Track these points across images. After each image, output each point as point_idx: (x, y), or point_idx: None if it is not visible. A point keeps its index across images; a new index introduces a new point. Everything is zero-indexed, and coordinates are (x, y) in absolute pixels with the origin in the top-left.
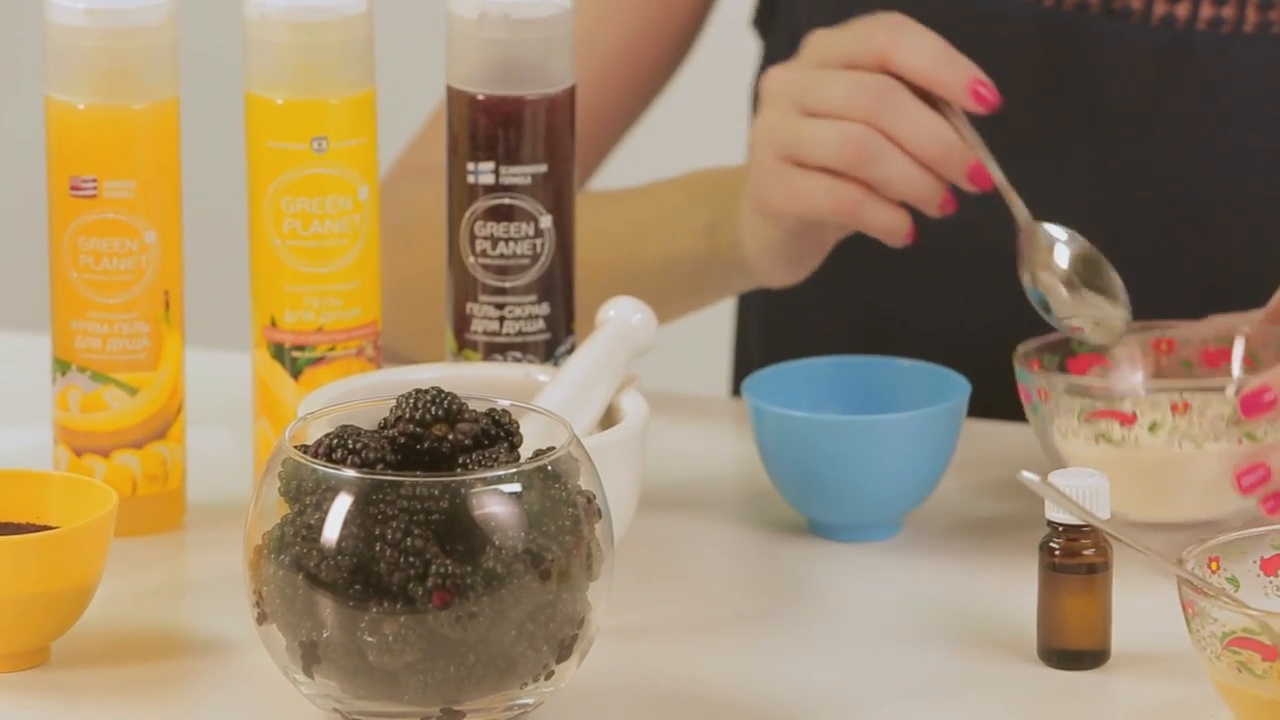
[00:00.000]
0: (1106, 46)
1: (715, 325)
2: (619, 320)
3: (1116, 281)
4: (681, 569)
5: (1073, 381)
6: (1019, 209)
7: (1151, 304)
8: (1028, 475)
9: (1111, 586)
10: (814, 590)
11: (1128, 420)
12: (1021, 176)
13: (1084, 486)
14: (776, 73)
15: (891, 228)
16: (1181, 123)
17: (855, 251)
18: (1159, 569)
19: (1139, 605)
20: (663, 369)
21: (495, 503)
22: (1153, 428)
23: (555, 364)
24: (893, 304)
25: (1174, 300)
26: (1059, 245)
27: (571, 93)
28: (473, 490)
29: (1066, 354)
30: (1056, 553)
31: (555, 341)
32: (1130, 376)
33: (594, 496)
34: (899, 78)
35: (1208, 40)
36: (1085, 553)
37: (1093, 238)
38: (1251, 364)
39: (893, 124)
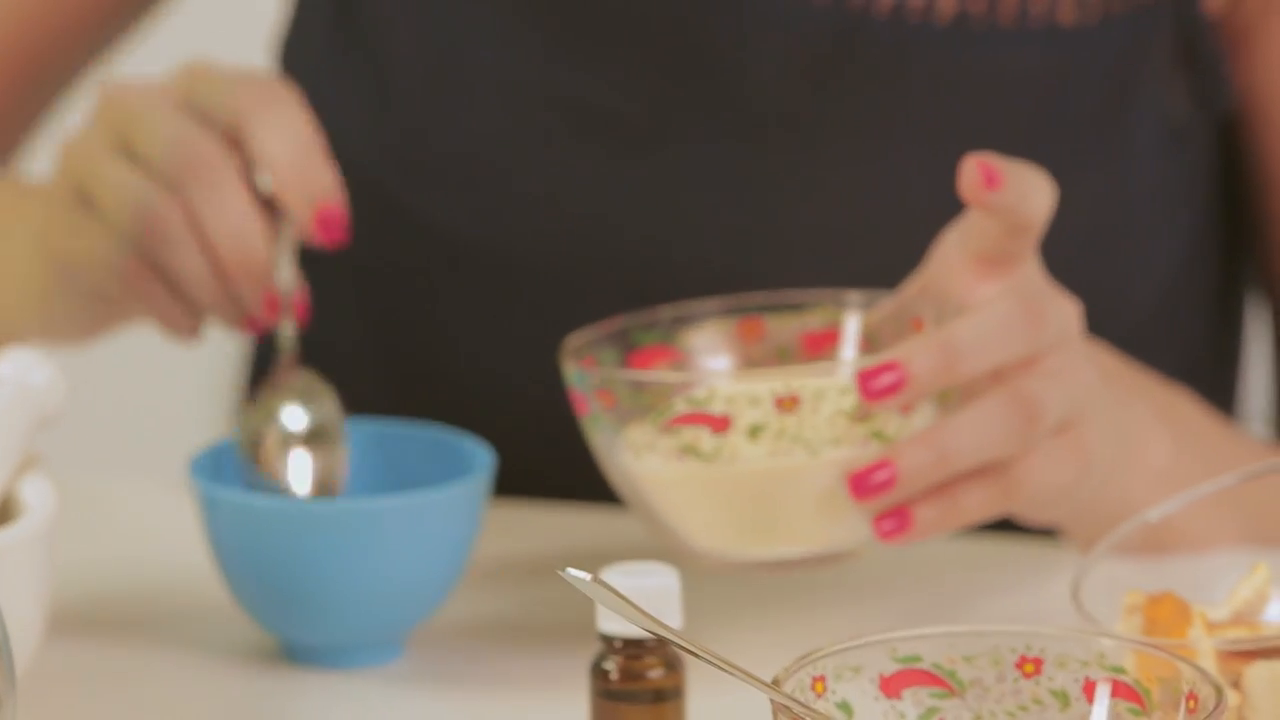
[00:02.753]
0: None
1: None
2: (14, 380)
3: None
4: (115, 712)
5: (642, 377)
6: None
7: None
8: (574, 573)
9: (685, 718)
10: None
11: (720, 425)
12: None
13: (648, 586)
14: (123, 82)
15: (175, 329)
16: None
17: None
18: (749, 691)
19: None
20: None
21: None
22: (753, 433)
23: None
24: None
25: None
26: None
27: None
28: None
29: (627, 347)
30: (612, 676)
31: None
32: (715, 367)
33: None
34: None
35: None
36: (650, 674)
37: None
38: (868, 347)
39: (201, 204)
